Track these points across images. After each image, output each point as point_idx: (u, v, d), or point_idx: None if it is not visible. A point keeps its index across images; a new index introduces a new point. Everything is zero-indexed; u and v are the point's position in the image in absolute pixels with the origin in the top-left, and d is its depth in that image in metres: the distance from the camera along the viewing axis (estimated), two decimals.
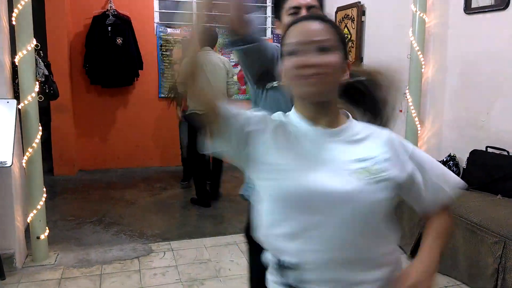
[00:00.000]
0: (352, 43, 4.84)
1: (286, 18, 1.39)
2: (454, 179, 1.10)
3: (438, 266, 1.02)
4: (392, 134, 1.06)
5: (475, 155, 3.16)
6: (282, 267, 0.97)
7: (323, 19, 1.04)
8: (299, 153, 1.00)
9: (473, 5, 3.33)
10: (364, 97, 1.15)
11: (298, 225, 0.95)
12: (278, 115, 1.08)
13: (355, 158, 0.98)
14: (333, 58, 0.98)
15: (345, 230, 0.94)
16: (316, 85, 0.97)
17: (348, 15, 4.90)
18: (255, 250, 1.39)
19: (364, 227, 0.96)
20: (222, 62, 4.31)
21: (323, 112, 1.02)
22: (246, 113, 1.03)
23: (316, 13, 1.43)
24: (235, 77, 4.53)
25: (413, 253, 3.05)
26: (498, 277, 2.44)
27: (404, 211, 3.24)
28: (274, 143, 1.00)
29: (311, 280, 0.95)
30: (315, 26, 1.01)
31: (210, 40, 4.35)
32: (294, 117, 1.05)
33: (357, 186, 0.94)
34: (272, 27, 6.05)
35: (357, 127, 1.06)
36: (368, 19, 4.68)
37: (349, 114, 1.08)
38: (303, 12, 1.39)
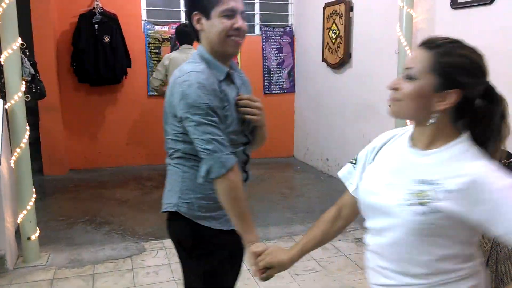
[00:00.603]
0: (341, 39, 4.86)
1: (218, 20, 1.41)
2: None
3: None
4: (481, 174, 1.00)
5: None
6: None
7: (430, 46, 1.06)
8: (384, 167, 1.17)
9: (459, 0, 3.37)
10: (481, 123, 1.10)
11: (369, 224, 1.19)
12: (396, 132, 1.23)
13: (420, 179, 1.05)
14: (409, 87, 1.06)
15: (387, 238, 1.11)
16: (395, 107, 1.10)
17: (336, 11, 4.92)
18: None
19: (400, 241, 1.08)
20: None
21: (421, 133, 1.11)
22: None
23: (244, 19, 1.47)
24: None
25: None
26: (488, 269, 2.48)
27: None
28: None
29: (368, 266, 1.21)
30: (414, 53, 1.10)
31: (187, 38, 4.32)
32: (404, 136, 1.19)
33: (400, 204, 1.05)
34: (261, 24, 6.04)
35: (452, 151, 1.06)
36: (356, 15, 4.71)
37: (464, 138, 1.08)
38: (238, 17, 1.42)
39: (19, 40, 2.86)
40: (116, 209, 4.12)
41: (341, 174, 1.32)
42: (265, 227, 3.68)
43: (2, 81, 2.97)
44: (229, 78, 1.50)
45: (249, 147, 1.58)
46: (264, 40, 6.00)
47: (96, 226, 3.71)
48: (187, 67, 1.43)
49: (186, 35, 4.32)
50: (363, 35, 4.61)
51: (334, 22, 4.98)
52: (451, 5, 3.45)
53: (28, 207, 2.97)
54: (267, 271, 1.33)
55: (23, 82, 2.95)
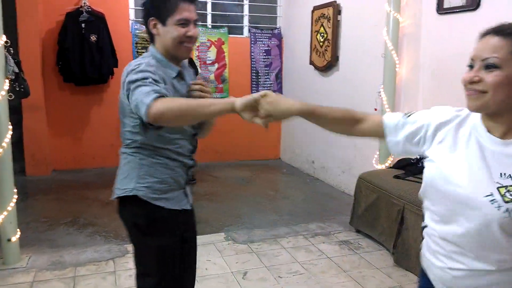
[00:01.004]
0: (328, 42, 4.87)
1: (173, 27, 1.56)
2: None
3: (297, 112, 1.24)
4: None
5: None
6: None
7: (505, 33, 1.07)
8: (461, 154, 1.13)
9: (445, 5, 3.40)
10: None
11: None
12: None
13: (507, 173, 1.05)
14: (495, 77, 1.04)
15: (464, 228, 1.10)
16: (478, 101, 1.07)
17: (324, 14, 4.93)
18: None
19: (481, 235, 1.07)
20: None
21: (496, 122, 1.10)
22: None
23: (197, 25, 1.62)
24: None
25: (394, 248, 3.10)
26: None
27: (381, 208, 3.29)
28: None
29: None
30: (488, 42, 1.09)
31: None
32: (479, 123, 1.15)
33: (488, 199, 1.04)
34: (249, 25, 6.04)
35: None
36: (344, 18, 4.73)
37: None
38: (191, 26, 1.58)
39: (4, 38, 2.81)
40: (100, 211, 4.07)
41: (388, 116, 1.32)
42: (250, 229, 3.67)
43: None
44: (180, 76, 1.66)
45: (196, 137, 1.75)
46: (252, 42, 6.00)
47: (79, 227, 3.66)
48: (133, 62, 1.57)
49: None
50: (351, 38, 4.63)
51: (322, 25, 5.00)
52: (437, 10, 3.48)
53: (9, 208, 2.91)
54: (267, 118, 1.32)
55: (7, 81, 2.90)
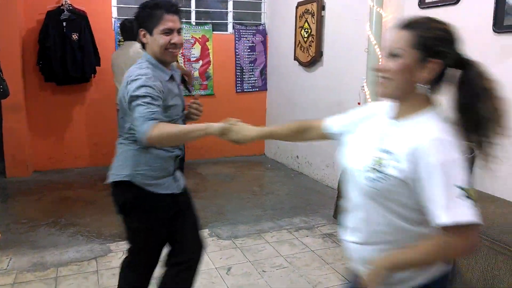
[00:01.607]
0: (312, 37, 4.87)
1: (159, 36, 1.80)
2: (437, 214, 1.04)
3: (394, 270, 1.13)
4: (424, 144, 1.08)
5: None
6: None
7: (409, 26, 1.16)
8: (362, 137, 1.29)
9: (427, 0, 3.41)
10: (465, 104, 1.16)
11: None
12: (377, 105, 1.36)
13: (382, 148, 1.17)
14: (396, 64, 1.15)
15: (357, 198, 1.23)
16: (385, 88, 1.19)
17: (308, 9, 4.93)
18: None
19: (366, 203, 1.19)
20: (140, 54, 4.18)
21: (400, 106, 1.21)
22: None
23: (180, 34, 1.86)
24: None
25: None
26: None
27: None
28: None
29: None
30: (395, 35, 1.18)
31: (130, 34, 4.24)
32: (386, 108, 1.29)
33: (360, 169, 1.19)
34: (234, 22, 6.01)
35: (418, 120, 1.15)
36: (328, 13, 4.73)
37: (434, 108, 1.18)
38: (175, 34, 1.81)
39: None
40: (82, 211, 4.01)
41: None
42: (234, 225, 3.65)
43: None
44: (172, 78, 1.90)
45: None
46: (236, 39, 5.97)
47: (61, 228, 3.60)
48: (134, 71, 1.78)
49: (129, 31, 4.28)
50: (335, 34, 4.63)
51: (306, 21, 4.99)
52: (419, 4, 3.50)
53: None
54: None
55: None
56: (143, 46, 1.90)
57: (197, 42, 5.82)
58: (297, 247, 3.23)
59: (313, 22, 4.84)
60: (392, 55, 1.16)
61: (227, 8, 6.03)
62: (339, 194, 3.59)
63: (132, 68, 1.82)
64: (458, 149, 1.08)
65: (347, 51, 4.39)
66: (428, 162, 1.06)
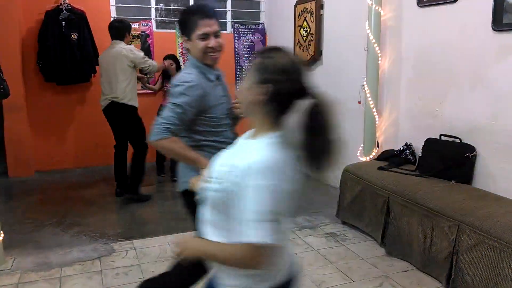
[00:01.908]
0: (312, 36, 4.89)
1: (197, 41, 1.88)
2: (246, 234, 1.14)
3: (205, 256, 1.28)
4: (245, 165, 1.16)
5: (430, 143, 3.27)
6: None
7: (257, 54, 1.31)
8: None
9: None
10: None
11: None
12: None
13: (224, 163, 1.26)
14: (242, 86, 1.30)
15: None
16: (240, 107, 1.36)
17: (307, 8, 4.94)
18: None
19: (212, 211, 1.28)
20: (123, 54, 4.15)
21: (253, 127, 1.30)
22: None
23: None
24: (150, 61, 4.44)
25: (383, 240, 3.14)
26: (452, 259, 2.54)
27: (367, 199, 3.32)
28: None
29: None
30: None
31: (117, 33, 4.24)
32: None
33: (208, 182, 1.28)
34: (233, 21, 6.02)
35: (259, 141, 1.24)
36: (327, 12, 4.74)
37: (277, 134, 1.25)
38: (211, 38, 1.89)
39: None
40: (85, 211, 4.03)
41: None
42: None
43: None
44: (218, 79, 1.97)
45: (234, 127, 2.07)
46: (236, 38, 5.99)
47: (64, 228, 3.62)
48: (181, 77, 1.89)
49: (117, 30, 4.24)
50: (334, 32, 4.65)
51: (305, 19, 5.01)
52: (417, 3, 3.51)
53: None
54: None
55: None
56: (187, 50, 1.99)
57: None
58: (301, 247, 3.25)
59: (312, 21, 4.86)
60: (217, 35, 1.68)
61: (225, 7, 6.04)
62: (341, 193, 3.61)
63: (180, 74, 1.92)
64: (274, 176, 1.14)
65: (347, 50, 4.41)
66: (241, 183, 1.15)
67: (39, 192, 4.58)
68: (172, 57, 4.88)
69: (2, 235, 2.97)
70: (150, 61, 4.38)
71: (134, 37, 5.46)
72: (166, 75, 4.99)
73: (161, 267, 2.93)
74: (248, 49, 6.07)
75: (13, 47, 4.83)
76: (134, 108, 4.26)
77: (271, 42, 6.05)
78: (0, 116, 4.82)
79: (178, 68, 4.75)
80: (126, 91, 4.18)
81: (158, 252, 3.17)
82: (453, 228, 2.54)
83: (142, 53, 4.32)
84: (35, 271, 2.89)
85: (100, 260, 3.03)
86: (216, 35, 1.90)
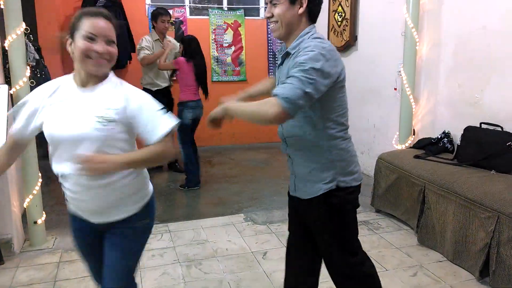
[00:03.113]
0: (346, 21, 4.79)
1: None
2: (162, 127, 1.46)
3: (122, 166, 1.46)
4: (125, 91, 1.52)
5: (469, 132, 3.17)
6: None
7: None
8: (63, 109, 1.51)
9: None
10: None
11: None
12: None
13: (105, 107, 1.46)
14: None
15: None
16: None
17: None
18: None
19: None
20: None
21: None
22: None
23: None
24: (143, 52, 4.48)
25: (418, 228, 3.10)
26: (490, 251, 2.47)
27: (402, 188, 3.27)
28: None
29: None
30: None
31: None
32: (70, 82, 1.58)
33: (92, 126, 1.44)
34: (265, 6, 5.97)
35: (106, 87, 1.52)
36: None
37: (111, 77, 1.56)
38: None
39: (23, 25, 2.85)
40: None
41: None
42: (269, 210, 3.70)
43: (7, 67, 2.97)
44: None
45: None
46: (269, 23, 5.93)
47: None
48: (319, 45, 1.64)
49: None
50: (369, 17, 4.54)
51: (340, 4, 4.91)
52: None
53: (34, 192, 3.00)
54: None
55: (28, 67, 2.95)
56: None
57: (229, 28, 5.84)
58: None
59: (347, 5, 4.76)
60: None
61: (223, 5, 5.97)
62: (376, 181, 3.57)
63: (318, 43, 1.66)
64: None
65: (383, 35, 4.30)
66: (137, 103, 1.49)
67: None
68: (187, 40, 4.35)
69: (44, 216, 3.10)
70: (141, 53, 4.49)
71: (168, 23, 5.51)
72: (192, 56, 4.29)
73: (195, 250, 2.99)
74: None
75: (52, 34, 4.97)
76: (149, 91, 4.38)
77: None
78: None
79: (186, 53, 4.25)
80: (144, 76, 4.62)
81: (192, 235, 3.24)
82: (492, 219, 2.47)
83: (143, 43, 4.49)
84: (75, 251, 2.99)
85: None
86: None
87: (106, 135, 1.44)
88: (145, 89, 4.33)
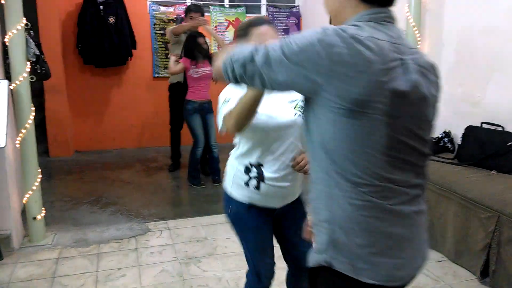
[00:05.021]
0: None
1: None
2: None
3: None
4: None
5: (470, 131, 3.16)
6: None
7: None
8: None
9: None
10: None
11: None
12: None
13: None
14: None
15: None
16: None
17: None
18: None
19: None
20: None
21: None
22: None
23: None
24: None
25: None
26: (490, 251, 2.47)
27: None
28: None
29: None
30: None
31: None
32: None
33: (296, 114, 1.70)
34: (267, 4, 5.95)
35: None
36: None
37: None
38: None
39: (24, 21, 2.84)
40: (121, 191, 4.15)
41: None
42: None
43: (7, 62, 2.96)
44: None
45: None
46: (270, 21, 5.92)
47: (101, 207, 3.74)
48: None
49: None
50: None
51: None
52: None
53: (34, 188, 2.99)
54: None
55: (28, 63, 2.94)
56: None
57: (230, 25, 5.82)
58: None
59: None
60: None
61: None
62: None
63: None
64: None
65: None
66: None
67: (78, 171, 4.74)
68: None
69: (44, 212, 3.10)
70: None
71: (169, 20, 5.51)
72: (190, 55, 4.14)
73: (194, 248, 2.99)
74: (283, 33, 6.00)
75: (53, 30, 4.96)
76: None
77: (306, 25, 5.96)
78: (42, 98, 4.99)
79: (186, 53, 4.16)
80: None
81: (191, 233, 3.24)
82: (492, 219, 2.46)
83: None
84: (74, 247, 3.00)
85: (135, 239, 3.13)
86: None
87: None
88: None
